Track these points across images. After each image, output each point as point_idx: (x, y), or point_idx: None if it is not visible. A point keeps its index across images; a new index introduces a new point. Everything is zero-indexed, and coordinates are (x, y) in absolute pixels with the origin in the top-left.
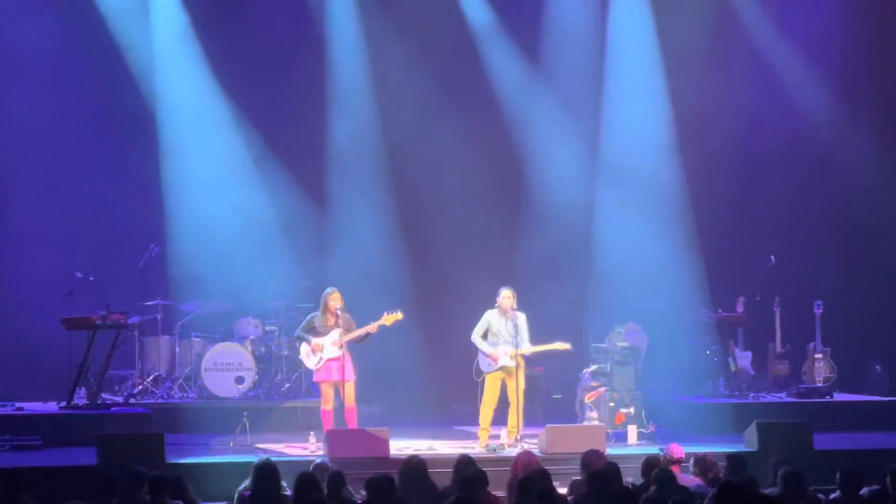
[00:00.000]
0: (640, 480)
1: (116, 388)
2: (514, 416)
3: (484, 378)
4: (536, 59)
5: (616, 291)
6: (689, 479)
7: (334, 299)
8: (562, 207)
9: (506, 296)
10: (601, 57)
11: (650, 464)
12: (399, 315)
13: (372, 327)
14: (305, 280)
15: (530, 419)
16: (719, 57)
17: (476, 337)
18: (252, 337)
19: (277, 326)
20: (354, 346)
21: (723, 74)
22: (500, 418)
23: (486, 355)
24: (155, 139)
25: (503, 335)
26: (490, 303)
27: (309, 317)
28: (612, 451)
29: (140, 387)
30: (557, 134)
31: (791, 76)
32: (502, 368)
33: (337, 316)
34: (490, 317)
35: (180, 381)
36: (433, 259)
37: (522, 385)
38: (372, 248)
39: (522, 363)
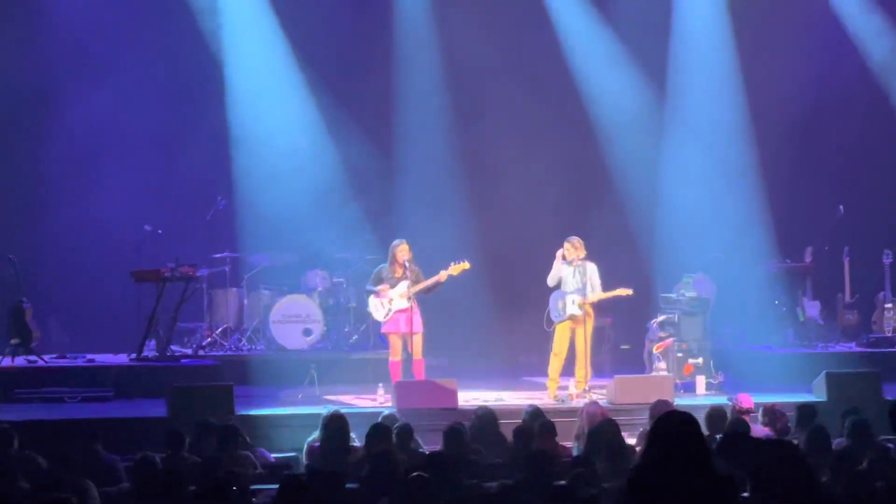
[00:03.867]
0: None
1: (185, 340)
2: (582, 367)
3: (554, 328)
4: (603, 10)
5: (684, 241)
6: (758, 429)
7: (402, 251)
8: (630, 158)
9: (568, 246)
10: (668, 8)
11: (717, 414)
12: (466, 265)
13: (441, 276)
14: (374, 232)
15: (598, 370)
16: (784, 3)
17: (551, 282)
18: (320, 289)
19: (345, 278)
20: (422, 298)
21: (788, 22)
22: (567, 369)
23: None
24: (222, 92)
25: (570, 284)
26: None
27: (377, 269)
28: (680, 401)
29: (209, 339)
30: (624, 86)
31: (857, 21)
32: (570, 318)
33: (405, 268)
34: (560, 264)
35: (248, 333)
36: (500, 210)
37: (590, 335)
38: (439, 199)
39: (592, 313)
